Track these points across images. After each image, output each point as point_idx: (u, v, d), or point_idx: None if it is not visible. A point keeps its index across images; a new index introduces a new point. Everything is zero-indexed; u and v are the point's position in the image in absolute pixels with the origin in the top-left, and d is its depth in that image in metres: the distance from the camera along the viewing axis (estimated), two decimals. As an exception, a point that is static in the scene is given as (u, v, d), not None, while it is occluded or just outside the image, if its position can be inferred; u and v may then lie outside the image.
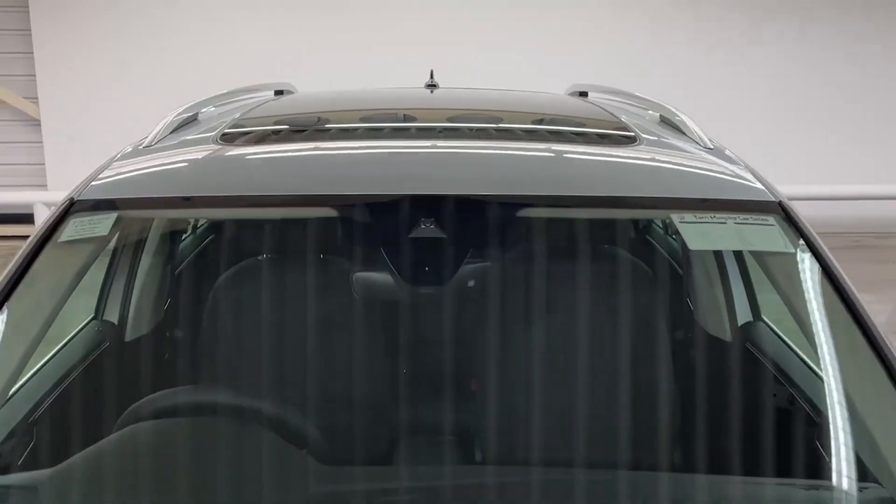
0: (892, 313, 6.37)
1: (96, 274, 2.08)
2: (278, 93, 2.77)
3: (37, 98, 8.80)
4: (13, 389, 1.65)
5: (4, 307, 1.53)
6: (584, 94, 2.82)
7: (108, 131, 8.66)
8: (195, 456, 1.39)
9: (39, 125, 8.88)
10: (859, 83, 8.93)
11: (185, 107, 2.19)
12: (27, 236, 5.05)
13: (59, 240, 1.63)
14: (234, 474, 1.35)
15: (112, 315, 2.15)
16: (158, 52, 8.65)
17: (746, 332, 2.18)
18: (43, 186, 8.90)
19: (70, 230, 1.64)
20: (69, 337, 2.01)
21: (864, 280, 6.49)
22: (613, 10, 8.67)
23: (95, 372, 1.92)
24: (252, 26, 8.50)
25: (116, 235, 1.95)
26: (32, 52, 8.68)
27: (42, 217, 8.43)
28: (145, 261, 2.17)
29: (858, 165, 9.00)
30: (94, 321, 2.15)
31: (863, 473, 1.43)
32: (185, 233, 2.35)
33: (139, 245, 2.16)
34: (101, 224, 1.66)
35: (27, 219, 8.81)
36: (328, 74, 8.01)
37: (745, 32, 8.81)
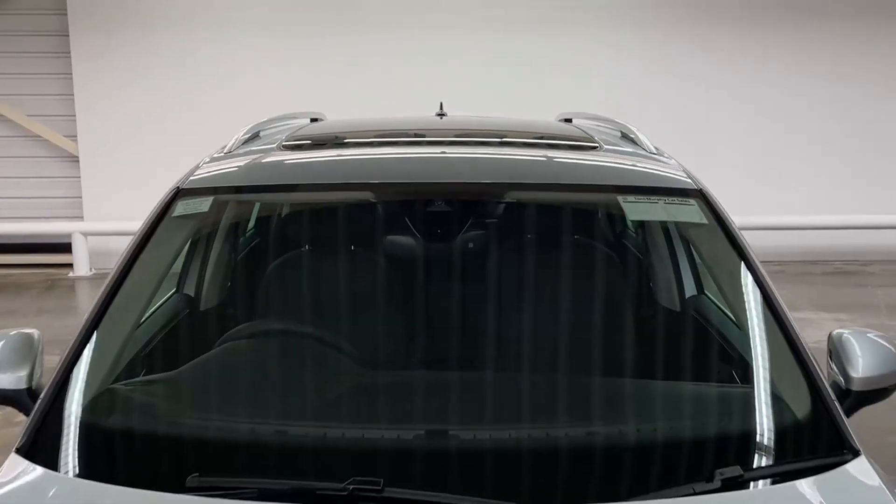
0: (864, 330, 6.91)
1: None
2: (314, 119, 3.41)
3: (76, 136, 9.51)
4: (131, 326, 2.22)
5: (137, 260, 2.14)
6: (568, 120, 3.45)
7: (139, 167, 9.36)
8: (270, 360, 2.01)
9: (78, 161, 9.56)
10: (848, 118, 9.52)
11: (247, 127, 2.81)
12: (65, 265, 5.80)
13: (172, 215, 2.23)
14: (297, 372, 1.95)
15: (189, 290, 2.74)
16: (186, 96, 9.34)
17: (692, 303, 2.76)
18: (79, 218, 9.55)
19: (179, 208, 2.24)
20: (158, 305, 2.58)
21: (843, 303, 7.07)
22: (607, 49, 9.35)
23: (181, 329, 2.52)
24: (276, 66, 9.20)
25: (196, 226, 2.53)
26: (73, 95, 9.40)
27: (80, 245, 9.10)
28: (215, 248, 2.77)
29: (842, 197, 9.56)
30: (175, 294, 2.74)
31: (748, 379, 2.02)
32: (248, 223, 2.94)
33: (210, 235, 2.75)
34: (202, 204, 2.27)
35: (65, 248, 9.48)
36: (347, 107, 8.68)
37: (734, 68, 9.46)
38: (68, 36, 9.32)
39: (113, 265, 2.20)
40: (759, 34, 9.37)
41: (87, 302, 8.24)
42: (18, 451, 1.73)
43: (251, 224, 2.71)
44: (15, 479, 1.65)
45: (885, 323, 7.13)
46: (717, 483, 1.57)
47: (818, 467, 1.66)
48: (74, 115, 9.46)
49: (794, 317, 2.16)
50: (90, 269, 9.30)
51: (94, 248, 9.33)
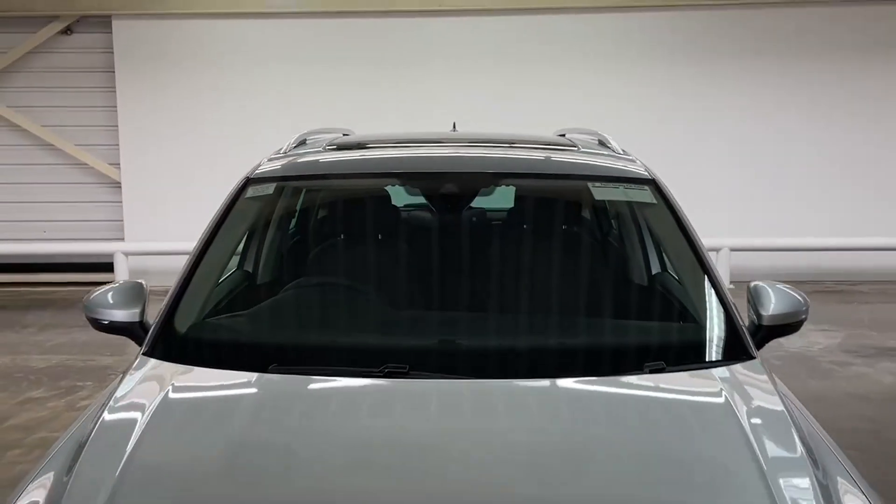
0: (843, 339, 7.50)
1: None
2: (345, 134, 4.11)
3: (119, 164, 10.31)
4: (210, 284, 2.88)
5: (220, 231, 2.81)
6: (562, 135, 4.13)
7: (176, 193, 10.13)
8: (325, 298, 2.69)
9: (120, 187, 10.36)
10: (830, 144, 10.17)
11: (296, 137, 3.49)
12: (107, 283, 6.68)
13: (245, 196, 2.91)
14: (342, 310, 2.62)
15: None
16: (220, 127, 10.13)
17: (656, 278, 3.39)
18: (121, 239, 10.31)
19: (250, 192, 2.92)
20: (223, 278, 3.24)
21: (829, 317, 7.65)
22: (603, 75, 10.07)
23: (249, 289, 3.18)
24: (303, 98, 9.96)
25: (261, 207, 3.19)
26: (117, 126, 10.22)
27: (121, 264, 9.81)
28: (272, 228, 3.44)
29: (834, 220, 10.17)
30: (238, 271, 3.40)
31: (686, 316, 2.66)
32: (300, 206, 3.59)
33: (270, 218, 3.42)
34: (267, 189, 2.95)
35: (106, 267, 10.22)
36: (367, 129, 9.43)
37: (730, 103, 10.15)
38: (114, 72, 10.17)
39: (202, 233, 2.87)
40: (752, 72, 10.07)
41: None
42: (144, 354, 2.40)
43: (300, 206, 3.38)
44: (144, 366, 2.32)
45: (865, 333, 7.69)
46: (645, 371, 2.23)
47: (723, 361, 2.31)
48: (118, 145, 10.27)
49: (721, 274, 2.81)
50: (130, 287, 10.01)
51: (134, 267, 10.06)
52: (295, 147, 3.34)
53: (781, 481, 1.77)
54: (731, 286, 9.73)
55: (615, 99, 9.98)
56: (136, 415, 2.04)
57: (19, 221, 10.46)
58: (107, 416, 2.06)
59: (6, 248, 10.20)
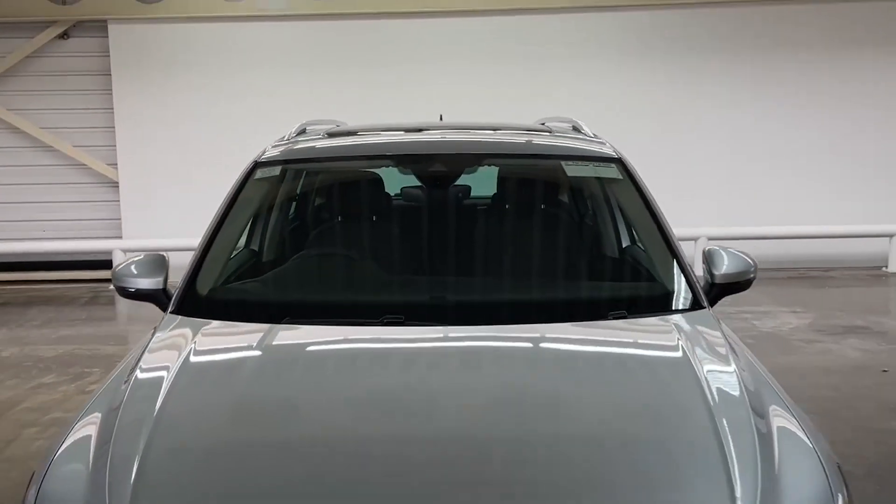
0: (813, 320, 7.89)
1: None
2: (338, 125, 4.45)
3: (116, 164, 10.61)
4: (225, 257, 3.21)
5: (231, 212, 3.14)
6: (542, 123, 4.49)
7: (172, 192, 10.44)
8: (329, 263, 3.04)
9: (117, 186, 10.66)
10: (814, 135, 10.58)
11: (296, 126, 3.83)
12: (104, 280, 7.22)
13: (254, 178, 3.25)
14: (345, 273, 2.97)
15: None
16: (215, 127, 10.44)
17: (626, 250, 3.75)
18: (119, 237, 10.60)
19: (258, 174, 3.26)
20: (234, 254, 3.57)
21: (800, 300, 8.06)
22: (587, 71, 10.44)
23: (257, 262, 3.52)
24: (296, 99, 10.26)
25: (260, 198, 3.52)
26: (114, 127, 10.53)
27: (120, 260, 10.06)
28: (273, 215, 3.77)
29: (804, 208, 10.58)
30: (239, 260, 3.73)
31: (646, 275, 3.02)
32: (302, 186, 3.92)
33: (271, 207, 3.74)
34: (273, 171, 3.29)
35: (103, 265, 10.51)
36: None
37: (715, 101, 10.55)
38: (110, 75, 10.47)
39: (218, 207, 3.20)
40: (731, 69, 10.47)
41: (127, 312, 9.26)
42: (172, 312, 2.74)
43: (303, 186, 3.71)
44: (174, 321, 2.66)
45: (834, 314, 8.08)
46: (609, 318, 2.59)
47: (678, 311, 2.67)
48: (115, 146, 10.57)
49: (680, 241, 3.17)
50: (129, 283, 10.32)
51: (132, 264, 10.34)
52: (296, 135, 3.68)
53: (718, 398, 2.11)
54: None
55: (599, 94, 10.34)
56: (173, 355, 2.38)
57: (20, 221, 10.74)
58: (147, 357, 2.40)
59: (7, 247, 10.49)
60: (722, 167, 10.55)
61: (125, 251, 10.27)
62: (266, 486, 1.85)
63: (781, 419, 2.09)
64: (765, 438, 1.97)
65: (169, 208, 10.45)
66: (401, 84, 10.32)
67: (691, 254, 10.06)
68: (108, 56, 10.45)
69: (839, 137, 10.55)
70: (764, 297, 8.98)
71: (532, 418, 2.10)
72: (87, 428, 2.11)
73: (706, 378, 2.19)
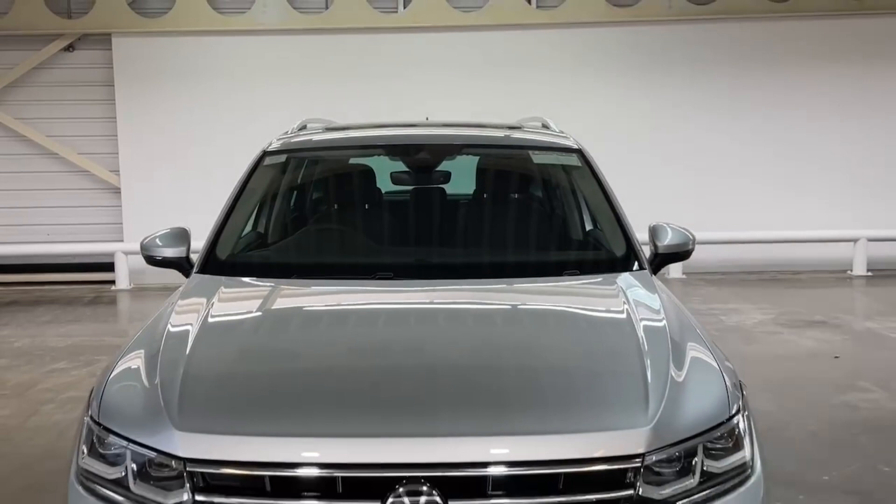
0: (776, 315, 8.40)
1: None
2: (332, 123, 4.96)
3: (118, 171, 11.08)
4: (238, 234, 3.71)
5: (243, 193, 3.64)
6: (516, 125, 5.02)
7: (172, 197, 10.90)
8: (329, 234, 3.55)
9: (119, 192, 11.12)
10: (783, 145, 11.14)
11: (298, 122, 4.33)
12: (106, 281, 7.96)
13: (263, 165, 3.75)
14: (345, 240, 3.49)
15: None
16: (213, 135, 10.92)
17: (583, 223, 4.23)
18: (120, 240, 11.06)
19: (266, 161, 3.77)
20: (245, 228, 4.03)
21: (768, 299, 8.62)
22: (567, 84, 11.00)
23: (262, 237, 4.01)
24: (291, 109, 10.76)
25: (268, 182, 4.01)
26: (116, 135, 11.01)
27: (122, 263, 10.52)
28: (279, 196, 4.25)
29: (774, 215, 11.12)
30: (252, 231, 4.23)
31: (598, 244, 3.54)
32: (304, 174, 4.40)
33: (277, 189, 4.23)
34: (280, 159, 3.80)
35: (105, 267, 10.97)
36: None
37: (683, 114, 11.12)
38: (113, 86, 10.96)
39: (235, 185, 3.69)
40: (705, 84, 11.06)
41: (129, 309, 9.72)
42: (197, 272, 3.23)
43: (305, 171, 4.20)
44: (200, 278, 3.16)
45: (796, 311, 8.60)
46: (564, 275, 3.11)
47: (622, 270, 3.19)
48: (117, 153, 11.05)
49: (633, 224, 3.68)
50: (130, 284, 10.79)
51: (133, 267, 10.80)
52: (298, 130, 4.20)
53: (646, 335, 2.60)
54: (684, 276, 10.68)
55: (579, 105, 10.89)
56: (202, 301, 2.87)
57: (26, 225, 11.18)
58: (180, 303, 2.90)
59: (13, 250, 10.94)
60: (694, 175, 11.10)
61: (126, 253, 10.74)
62: (278, 390, 2.36)
63: (695, 351, 2.58)
64: (679, 361, 2.46)
65: (168, 212, 10.82)
66: (389, 95, 10.83)
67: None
68: (112, 68, 10.94)
69: (808, 148, 11.12)
70: (732, 296, 9.52)
71: (493, 346, 2.62)
72: (134, 359, 2.58)
73: (637, 321, 2.68)
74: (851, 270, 10.90)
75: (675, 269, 10.65)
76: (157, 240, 3.52)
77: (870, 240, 10.80)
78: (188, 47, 10.95)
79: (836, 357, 6.72)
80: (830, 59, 11.01)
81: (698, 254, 11.18)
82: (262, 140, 10.40)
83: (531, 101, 10.86)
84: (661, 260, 3.48)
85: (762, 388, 5.83)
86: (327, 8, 11.05)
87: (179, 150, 10.98)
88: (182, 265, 3.44)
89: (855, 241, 10.82)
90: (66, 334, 8.23)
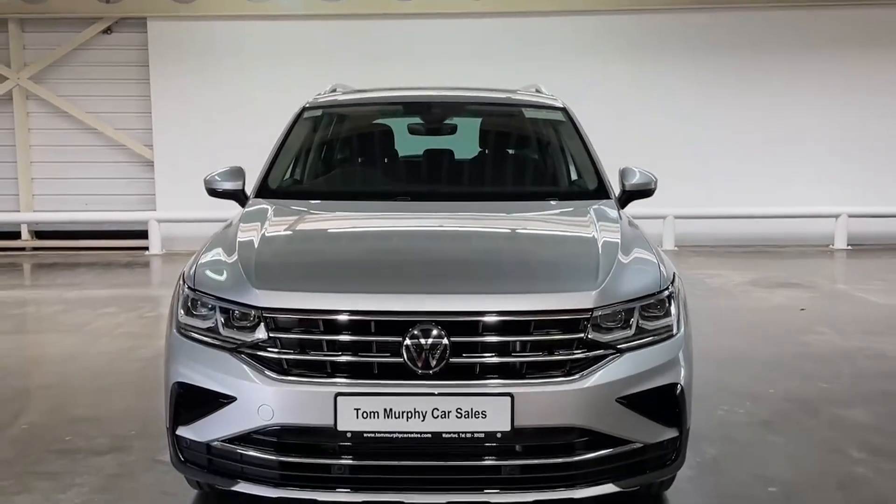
0: (755, 279, 9.17)
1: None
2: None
3: (152, 145, 11.94)
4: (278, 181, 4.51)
5: (287, 142, 4.46)
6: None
7: (202, 169, 11.67)
8: (358, 171, 4.40)
9: (152, 165, 11.98)
10: (770, 128, 11.91)
11: (329, 86, 5.14)
12: (139, 248, 9.15)
13: (302, 118, 4.57)
14: (369, 176, 4.33)
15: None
16: (241, 112, 11.75)
17: (565, 165, 4.99)
18: (153, 209, 11.92)
19: (306, 115, 4.59)
20: (287, 171, 4.79)
21: (748, 267, 9.49)
22: (577, 69, 11.76)
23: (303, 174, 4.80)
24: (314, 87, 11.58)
25: (307, 131, 4.79)
26: (150, 112, 11.86)
27: (155, 230, 11.37)
28: (315, 142, 5.00)
29: (761, 191, 11.89)
30: (295, 168, 4.99)
31: (576, 181, 4.36)
32: (332, 129, 5.19)
33: (313, 140, 5.00)
34: (316, 113, 4.62)
35: (137, 234, 11.83)
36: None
37: (681, 94, 11.88)
38: (148, 66, 11.82)
39: (279, 136, 4.50)
40: (697, 69, 11.83)
41: (162, 270, 10.56)
42: (255, 197, 4.06)
43: (336, 123, 4.97)
44: (257, 202, 3.98)
45: (773, 275, 9.39)
46: (546, 200, 3.94)
47: (594, 200, 4.00)
48: (151, 129, 11.90)
49: (609, 177, 4.47)
50: (162, 249, 11.65)
51: (165, 234, 11.67)
52: (329, 92, 5.01)
53: (601, 237, 3.39)
54: (676, 248, 11.46)
55: (587, 87, 11.65)
56: (262, 212, 3.70)
57: (65, 195, 12.06)
58: (245, 214, 3.72)
59: (54, 217, 11.82)
60: (689, 154, 11.88)
61: (159, 221, 11.60)
62: (327, 262, 3.23)
63: (641, 248, 3.36)
64: (626, 252, 3.26)
65: (198, 184, 11.55)
66: (403, 77, 11.59)
67: (659, 231, 11.39)
68: (147, 49, 11.79)
69: (795, 130, 11.89)
70: (718, 264, 10.31)
71: (486, 238, 3.53)
72: (215, 249, 3.36)
73: (598, 229, 3.48)
74: (833, 244, 11.65)
75: (667, 242, 11.44)
76: (217, 176, 4.32)
77: (850, 216, 11.54)
78: (218, 31, 11.78)
79: (802, 309, 7.50)
80: (819, 46, 11.76)
81: (689, 227, 12.08)
82: (285, 116, 11.29)
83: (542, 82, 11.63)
84: (627, 196, 4.26)
85: (730, 331, 6.64)
86: (347, -5, 11.85)
87: (209, 126, 11.82)
88: (238, 196, 4.25)
89: (836, 216, 11.57)
90: (110, 287, 9.10)
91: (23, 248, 12.13)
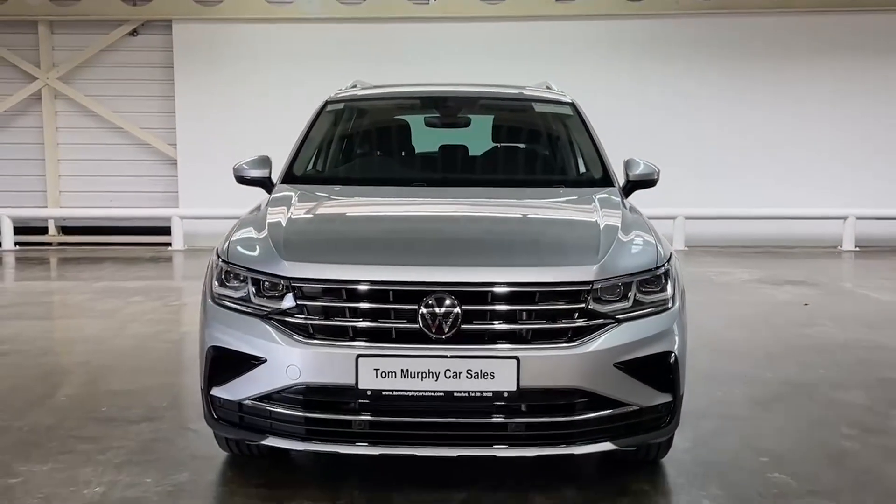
0: (762, 277, 9.38)
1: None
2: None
3: (175, 144, 12.28)
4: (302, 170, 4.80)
5: (311, 133, 4.75)
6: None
7: (223, 168, 12.01)
8: (378, 160, 4.69)
9: (176, 163, 12.33)
10: (779, 132, 12.13)
11: (350, 83, 5.43)
12: (162, 244, 9.58)
13: (325, 111, 4.86)
14: (389, 164, 4.64)
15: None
16: (260, 112, 12.09)
17: (573, 156, 5.24)
18: (176, 206, 12.26)
19: (328, 108, 4.88)
20: (312, 156, 5.07)
21: (755, 265, 9.73)
22: (586, 71, 12.03)
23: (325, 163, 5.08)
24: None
25: (329, 123, 5.07)
26: (174, 112, 12.21)
27: (177, 226, 11.70)
28: (338, 133, 5.29)
29: (773, 194, 12.09)
30: (319, 157, 5.28)
31: (584, 172, 4.62)
32: (354, 121, 5.47)
33: (335, 131, 5.29)
34: (338, 107, 4.91)
35: (160, 231, 12.16)
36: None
37: (694, 100, 12.11)
38: (172, 68, 12.17)
39: (304, 126, 4.79)
40: (706, 74, 12.06)
41: (184, 268, 10.88)
42: (281, 183, 4.34)
43: (357, 116, 5.24)
44: (282, 188, 4.26)
45: (779, 273, 9.60)
46: (556, 187, 4.21)
47: (599, 188, 4.26)
48: (175, 128, 12.25)
49: (613, 167, 4.73)
50: (184, 245, 11.98)
51: (187, 230, 12.00)
52: (350, 88, 5.30)
53: (603, 220, 3.65)
54: (686, 248, 11.67)
55: (598, 88, 11.92)
56: (289, 196, 3.98)
57: (91, 192, 12.43)
58: (272, 199, 4.00)
59: (80, 213, 12.19)
60: (699, 156, 12.12)
61: (182, 217, 11.94)
62: (350, 238, 3.53)
63: (640, 230, 3.62)
64: (626, 232, 3.52)
65: (219, 182, 11.97)
66: (418, 78, 11.91)
67: (670, 232, 11.62)
68: (171, 51, 12.15)
69: (802, 133, 12.11)
70: (727, 263, 10.53)
71: (496, 218, 3.83)
72: (247, 227, 3.65)
73: (601, 215, 3.74)
74: (841, 246, 11.84)
75: (677, 242, 11.66)
76: (245, 164, 4.60)
77: (858, 218, 11.73)
78: (240, 33, 12.13)
79: (806, 304, 7.71)
80: (825, 51, 11.98)
81: (699, 228, 12.30)
82: (304, 116, 11.63)
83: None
84: (631, 186, 4.51)
85: (734, 323, 6.88)
86: (365, 0, 12.16)
87: (231, 125, 12.16)
88: (265, 183, 4.53)
89: (844, 218, 11.76)
90: (136, 279, 9.43)
91: (49, 244, 12.50)
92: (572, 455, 3.18)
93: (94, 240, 12.36)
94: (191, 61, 12.12)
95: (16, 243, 12.07)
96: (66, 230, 12.65)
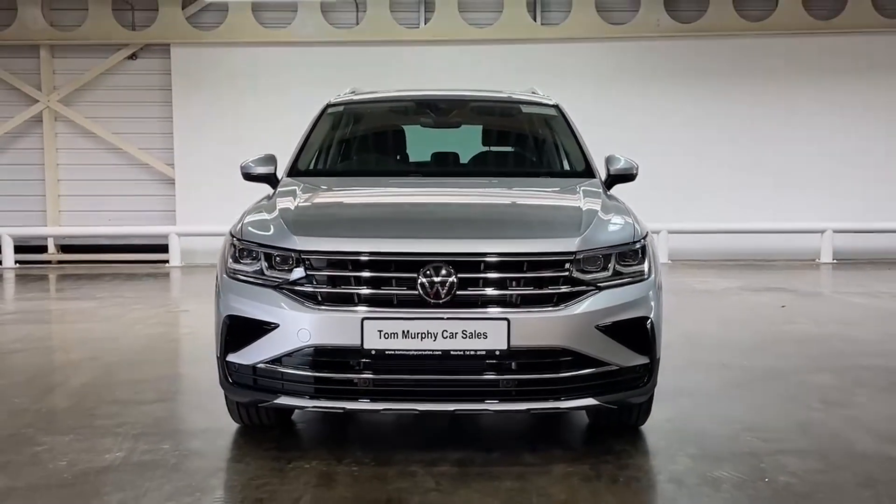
0: (742, 285, 9.71)
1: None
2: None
3: (173, 164, 12.60)
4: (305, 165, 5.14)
5: (313, 133, 5.08)
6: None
7: (219, 188, 12.37)
8: (377, 154, 5.05)
9: (174, 182, 12.63)
10: (759, 150, 12.55)
11: (348, 88, 5.77)
12: (160, 261, 9.96)
13: (326, 113, 5.20)
14: (387, 158, 4.99)
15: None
16: (256, 132, 12.41)
17: (557, 152, 5.55)
18: (173, 224, 12.54)
19: (329, 111, 5.21)
20: (314, 153, 5.39)
21: (736, 276, 10.04)
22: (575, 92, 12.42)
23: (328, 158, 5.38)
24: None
25: (330, 125, 5.41)
26: (172, 133, 12.54)
27: (175, 243, 11.97)
28: (338, 133, 5.59)
29: (752, 209, 12.48)
30: (321, 154, 5.56)
31: (568, 165, 4.96)
32: (352, 124, 5.79)
33: (336, 131, 5.61)
34: (338, 110, 5.24)
35: (158, 248, 12.44)
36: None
37: (680, 118, 12.53)
38: (171, 90, 12.52)
39: (306, 128, 5.11)
40: (685, 94, 12.50)
41: (181, 284, 11.14)
42: (287, 176, 4.65)
43: (355, 119, 5.57)
44: (287, 181, 4.58)
45: (759, 282, 9.94)
46: (541, 177, 4.55)
47: (582, 179, 4.59)
48: (173, 148, 12.58)
49: (597, 164, 5.06)
50: (181, 262, 12.25)
51: (184, 247, 12.28)
52: (349, 93, 5.65)
53: (585, 204, 3.97)
54: (670, 262, 12.02)
55: (588, 109, 12.33)
56: (296, 185, 4.29)
57: (90, 211, 12.71)
58: (280, 190, 4.31)
59: (79, 231, 12.46)
60: (682, 173, 12.52)
61: (179, 234, 12.22)
62: (354, 216, 3.87)
63: (619, 213, 3.96)
64: (605, 213, 3.86)
65: (215, 201, 12.39)
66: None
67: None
68: (170, 74, 12.51)
69: (781, 150, 12.53)
70: (709, 273, 10.87)
71: (487, 199, 4.15)
72: (259, 210, 3.95)
73: (583, 199, 4.06)
74: (819, 258, 12.22)
75: (661, 256, 12.01)
76: (252, 162, 4.90)
77: (835, 231, 12.12)
78: (237, 57, 12.50)
79: (783, 306, 8.04)
80: (803, 72, 12.45)
81: (682, 242, 12.64)
82: (298, 135, 11.93)
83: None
84: (612, 179, 4.84)
85: (714, 322, 7.19)
86: (357, 23, 12.59)
87: (227, 146, 12.48)
88: (270, 179, 4.84)
89: (822, 232, 12.15)
90: (136, 290, 9.68)
91: (49, 262, 12.75)
92: (560, 416, 3.47)
93: (93, 258, 12.62)
94: (188, 84, 12.47)
95: (16, 261, 12.31)
96: (65, 249, 12.90)
